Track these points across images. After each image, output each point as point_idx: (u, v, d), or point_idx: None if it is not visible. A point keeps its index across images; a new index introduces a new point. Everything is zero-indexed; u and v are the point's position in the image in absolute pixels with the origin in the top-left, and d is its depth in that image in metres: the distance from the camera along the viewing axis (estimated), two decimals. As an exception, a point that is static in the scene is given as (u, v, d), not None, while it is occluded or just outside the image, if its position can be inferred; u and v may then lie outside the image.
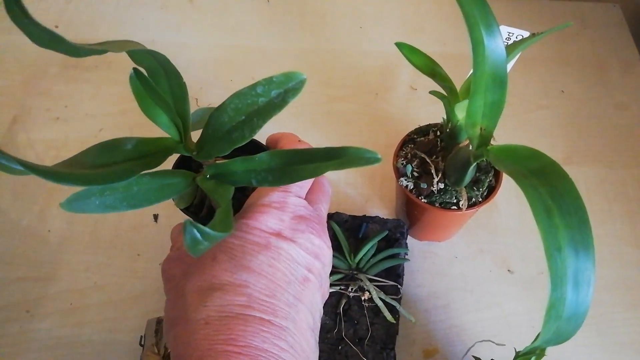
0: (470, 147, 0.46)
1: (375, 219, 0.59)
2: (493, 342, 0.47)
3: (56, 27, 0.85)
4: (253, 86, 0.39)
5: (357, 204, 0.66)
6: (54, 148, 0.72)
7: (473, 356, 0.48)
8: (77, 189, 0.40)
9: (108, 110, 0.75)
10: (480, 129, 0.42)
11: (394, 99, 0.76)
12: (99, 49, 0.38)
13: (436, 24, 0.84)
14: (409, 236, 0.62)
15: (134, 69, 0.41)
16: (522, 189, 0.36)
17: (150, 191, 0.45)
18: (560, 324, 0.35)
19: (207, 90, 0.75)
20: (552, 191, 0.35)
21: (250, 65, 0.79)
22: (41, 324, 0.58)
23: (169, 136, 0.47)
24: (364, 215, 0.59)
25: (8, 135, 0.73)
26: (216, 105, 0.40)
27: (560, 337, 0.36)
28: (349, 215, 0.59)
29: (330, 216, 0.59)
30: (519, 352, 0.41)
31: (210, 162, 0.50)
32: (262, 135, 0.41)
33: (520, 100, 0.75)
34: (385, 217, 0.59)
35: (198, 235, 0.31)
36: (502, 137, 0.54)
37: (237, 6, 0.88)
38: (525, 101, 0.75)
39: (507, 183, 0.66)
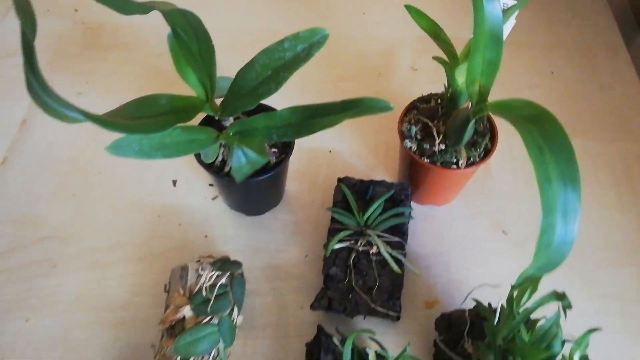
0: (470, 106, 0.51)
1: (381, 183, 0.63)
2: (488, 285, 0.52)
3: (76, 10, 0.89)
4: (280, 42, 0.44)
5: (363, 173, 0.71)
6: (74, 125, 0.75)
7: (472, 298, 0.52)
8: (120, 135, 0.44)
9: (126, 86, 0.79)
10: (479, 85, 0.47)
11: (396, 78, 0.81)
12: (145, 7, 0.43)
13: (436, 11, 0.89)
14: (412, 205, 0.66)
15: (173, 29, 0.46)
16: (518, 131, 0.41)
17: (180, 144, 0.49)
18: (551, 251, 0.40)
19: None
20: (543, 133, 0.40)
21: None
22: (67, 279, 0.61)
23: (197, 96, 0.52)
24: (371, 180, 0.64)
25: (31, 110, 0.77)
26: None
27: (550, 264, 0.40)
28: (357, 180, 0.64)
29: (340, 180, 0.64)
30: (514, 285, 0.46)
31: (232, 122, 0.55)
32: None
33: (512, 80, 0.80)
34: (390, 181, 0.64)
35: (243, 157, 0.36)
36: (498, 126, 0.60)
37: (247, -7, 0.92)
38: (517, 81, 0.80)
39: (502, 153, 0.72)
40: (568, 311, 0.42)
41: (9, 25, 0.87)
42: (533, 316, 0.45)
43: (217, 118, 0.55)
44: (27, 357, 0.56)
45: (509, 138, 0.70)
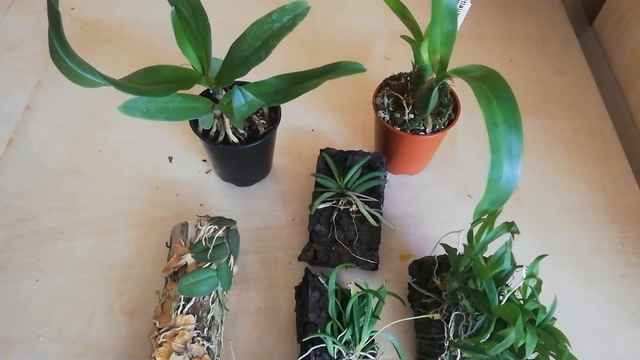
0: (433, 75, 0.59)
1: (359, 152, 0.71)
2: (454, 232, 0.59)
3: (72, 9, 0.96)
4: (269, 15, 0.51)
5: (343, 148, 0.78)
6: (77, 105, 0.82)
7: (441, 244, 0.59)
8: (131, 97, 0.51)
9: (122, 75, 0.85)
10: (440, 55, 0.55)
11: (370, 66, 0.88)
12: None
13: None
14: (387, 171, 0.74)
15: (175, 7, 0.53)
16: (472, 87, 0.49)
17: (181, 109, 0.56)
18: (500, 186, 0.47)
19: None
20: (491, 87, 0.48)
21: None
22: (74, 243, 0.67)
23: (194, 68, 0.59)
24: (350, 150, 0.71)
25: (34, 96, 0.83)
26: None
27: (500, 197, 0.48)
28: (338, 150, 0.71)
29: (323, 150, 0.71)
30: (473, 222, 0.52)
31: (225, 93, 0.62)
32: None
33: (476, 67, 0.89)
34: (367, 151, 0.71)
35: (242, 97, 0.43)
36: (459, 97, 0.68)
37: (233, -7, 1.00)
38: (480, 67, 0.89)
39: (467, 129, 0.80)
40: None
41: (11, 21, 0.93)
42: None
43: (212, 92, 0.63)
44: (38, 312, 0.62)
45: (472, 116, 0.78)
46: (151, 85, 0.53)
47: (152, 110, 0.53)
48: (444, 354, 0.53)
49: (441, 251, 0.60)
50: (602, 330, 0.63)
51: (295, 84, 0.54)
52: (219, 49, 0.59)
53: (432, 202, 0.73)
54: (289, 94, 0.55)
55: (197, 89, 0.62)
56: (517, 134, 0.47)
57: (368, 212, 0.65)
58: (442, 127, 0.66)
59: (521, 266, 0.51)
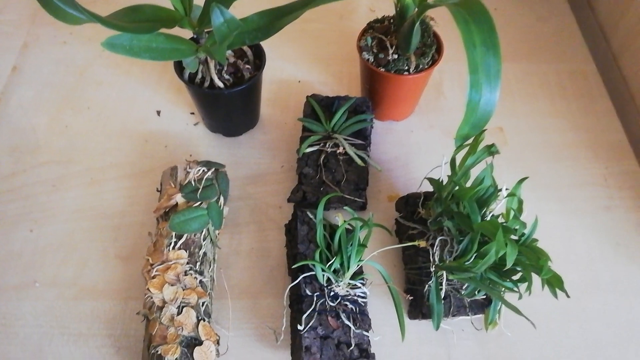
0: (415, 11, 0.59)
1: (345, 97, 0.71)
2: (440, 167, 0.60)
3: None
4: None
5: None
6: (63, 65, 0.82)
7: (426, 177, 0.60)
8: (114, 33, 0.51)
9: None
10: (420, -13, 0.56)
11: (356, 19, 0.89)
12: None
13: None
14: (373, 119, 0.75)
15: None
16: (450, 12, 0.49)
17: (165, 50, 0.57)
18: (479, 109, 0.48)
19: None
20: (469, 10, 0.49)
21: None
22: (66, 194, 0.68)
23: (176, 9, 0.59)
24: (337, 96, 0.72)
25: (21, 57, 0.83)
26: None
27: (480, 120, 0.49)
28: (324, 96, 0.72)
29: (309, 96, 0.71)
30: (456, 148, 0.53)
31: (208, 36, 0.62)
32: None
33: (460, 16, 0.89)
34: (353, 96, 0.72)
35: (221, 16, 0.43)
36: (444, 43, 0.68)
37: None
38: (464, 16, 0.89)
39: (451, 75, 0.81)
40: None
41: (-7, -14, 0.93)
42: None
43: (195, 36, 0.63)
44: (33, 260, 0.63)
45: (458, 64, 0.79)
46: (134, 24, 0.53)
47: (135, 49, 0.53)
48: (430, 281, 0.55)
49: (428, 189, 0.62)
50: (584, 258, 0.64)
51: (277, 18, 0.55)
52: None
53: (418, 146, 0.74)
54: (271, 29, 0.55)
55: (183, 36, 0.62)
56: (495, 54, 0.48)
57: (355, 153, 0.66)
58: (426, 66, 0.66)
59: (501, 189, 0.52)
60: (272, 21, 0.55)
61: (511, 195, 0.51)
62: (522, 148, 0.74)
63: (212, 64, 0.63)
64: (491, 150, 0.50)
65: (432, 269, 0.54)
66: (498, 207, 0.54)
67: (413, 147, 0.74)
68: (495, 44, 0.48)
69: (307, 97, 0.71)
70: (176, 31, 0.58)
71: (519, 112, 0.78)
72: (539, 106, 0.79)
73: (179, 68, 0.65)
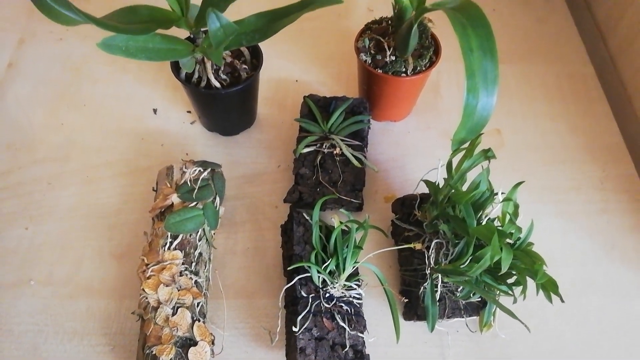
0: (412, 13, 0.59)
1: (342, 98, 0.71)
2: (435, 169, 0.60)
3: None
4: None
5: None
6: (59, 62, 0.81)
7: (422, 180, 0.60)
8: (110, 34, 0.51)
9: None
10: (418, -10, 0.56)
11: (354, 18, 0.89)
12: None
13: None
14: (371, 119, 0.74)
15: (150, -57, 0.52)
16: (448, 16, 0.49)
17: (161, 50, 0.56)
18: (476, 113, 0.48)
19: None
20: (466, 15, 0.49)
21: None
22: (62, 192, 0.68)
23: (173, 10, 0.58)
24: (334, 96, 0.72)
25: (17, 53, 0.82)
26: None
27: (477, 125, 0.49)
28: (321, 97, 0.72)
29: (306, 97, 0.71)
30: (452, 152, 0.53)
31: (205, 36, 0.62)
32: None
33: (459, 16, 0.89)
34: (350, 97, 0.72)
35: (217, 21, 0.43)
36: (442, 44, 0.68)
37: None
38: (463, 17, 0.89)
39: (448, 76, 0.81)
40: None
41: (-11, -20, 0.92)
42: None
43: (192, 36, 0.63)
44: (28, 258, 0.63)
45: (455, 65, 0.79)
46: (130, 25, 0.53)
47: (131, 49, 0.53)
48: (425, 283, 0.55)
49: (424, 190, 0.62)
50: (579, 260, 0.65)
51: (274, 20, 0.55)
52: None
53: (415, 147, 0.74)
54: (268, 31, 0.55)
55: (179, 36, 0.62)
56: (492, 59, 0.47)
57: (352, 154, 0.66)
58: (424, 68, 0.66)
59: (497, 193, 0.52)
60: (270, 23, 0.55)
61: (507, 199, 0.51)
62: (519, 149, 0.74)
63: (208, 64, 0.62)
64: (487, 154, 0.50)
65: (428, 272, 0.55)
66: (494, 211, 0.54)
67: (410, 148, 0.74)
68: (493, 48, 0.48)
69: (304, 97, 0.71)
70: (173, 31, 0.57)
71: (517, 113, 0.78)
72: (537, 108, 0.79)
73: (176, 68, 0.64)
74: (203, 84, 0.64)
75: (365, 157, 0.67)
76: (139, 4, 0.57)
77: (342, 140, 0.67)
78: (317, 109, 0.70)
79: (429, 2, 0.56)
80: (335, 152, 0.66)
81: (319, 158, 0.66)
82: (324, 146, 0.67)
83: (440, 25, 0.66)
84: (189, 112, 0.76)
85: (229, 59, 0.65)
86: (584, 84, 0.81)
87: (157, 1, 0.57)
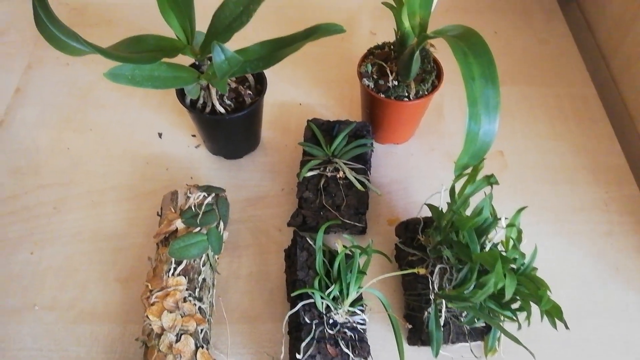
0: (415, 40, 0.60)
1: (345, 122, 0.72)
2: (439, 192, 0.60)
3: (59, -7, 0.97)
4: (248, -20, 0.52)
5: (330, 120, 0.79)
6: (66, 87, 0.83)
7: (426, 204, 0.61)
8: (116, 64, 0.52)
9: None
10: (419, 18, 0.57)
11: (357, 42, 0.90)
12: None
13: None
14: (374, 142, 0.75)
15: (156, -25, 0.53)
16: (449, 45, 0.50)
17: (167, 78, 0.57)
18: (478, 139, 0.48)
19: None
20: (468, 43, 0.49)
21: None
22: (67, 216, 0.68)
23: (178, 39, 0.59)
24: (337, 120, 0.72)
25: (24, 79, 0.84)
26: None
27: (480, 151, 0.49)
28: (325, 120, 0.72)
29: (310, 120, 0.72)
30: (455, 177, 0.54)
31: (209, 63, 0.62)
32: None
33: (460, 39, 0.90)
34: (353, 120, 0.72)
35: (222, 54, 0.44)
36: (444, 68, 0.69)
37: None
38: (465, 39, 0.90)
39: (451, 99, 0.81)
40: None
41: (-2, 7, 0.94)
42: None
43: (197, 63, 0.64)
44: (33, 283, 0.63)
45: (458, 87, 0.79)
46: (136, 54, 0.54)
47: (137, 78, 0.54)
48: (429, 308, 0.55)
49: (427, 214, 0.62)
50: (583, 284, 0.64)
51: (278, 49, 0.56)
52: (205, 24, 0.59)
53: (419, 169, 0.74)
54: (272, 59, 0.56)
55: (184, 64, 0.63)
56: (493, 87, 0.48)
57: (355, 177, 0.66)
58: (426, 93, 0.67)
59: (500, 218, 0.52)
60: (274, 51, 0.56)
61: (510, 225, 0.51)
62: (522, 171, 0.74)
63: (213, 90, 0.63)
64: (490, 180, 0.50)
65: (432, 297, 0.54)
66: (497, 235, 0.54)
67: (413, 171, 0.74)
68: (494, 76, 0.48)
69: (308, 121, 0.72)
70: (177, 57, 0.58)
71: (519, 135, 0.78)
72: (539, 129, 0.79)
73: (181, 94, 0.65)
74: (208, 109, 0.65)
75: (368, 180, 0.67)
76: (145, 32, 0.58)
77: (345, 163, 0.67)
78: (320, 132, 0.70)
79: (430, 29, 0.57)
80: (338, 175, 0.67)
81: (323, 181, 0.67)
82: (327, 170, 0.67)
83: (442, 48, 0.67)
84: (193, 135, 0.77)
85: (233, 85, 0.66)
86: (586, 105, 0.82)
87: (162, 27, 0.58)
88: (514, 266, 0.51)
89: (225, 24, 0.56)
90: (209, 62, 0.63)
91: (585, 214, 0.70)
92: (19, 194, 0.70)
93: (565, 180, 0.73)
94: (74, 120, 0.79)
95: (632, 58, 0.80)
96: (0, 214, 0.68)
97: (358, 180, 0.66)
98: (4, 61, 0.87)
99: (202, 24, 0.59)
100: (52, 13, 0.47)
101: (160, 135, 0.77)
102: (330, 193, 0.66)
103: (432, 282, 0.54)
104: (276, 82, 0.82)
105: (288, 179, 0.73)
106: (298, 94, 0.83)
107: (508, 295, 0.45)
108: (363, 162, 0.69)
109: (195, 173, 0.73)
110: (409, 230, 0.62)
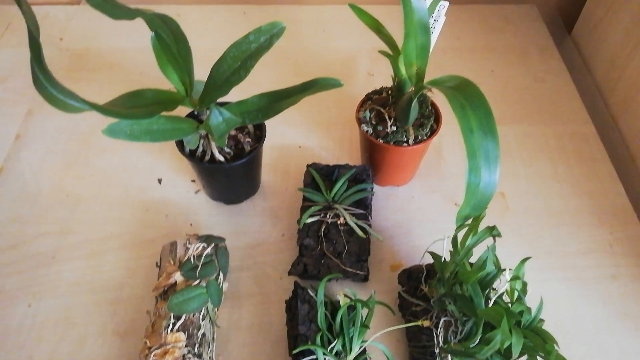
0: (412, 88, 0.60)
1: (345, 166, 0.72)
2: (441, 239, 0.60)
3: (61, 39, 0.98)
4: (246, 36, 0.53)
5: (330, 163, 0.79)
6: (66, 133, 0.83)
7: (428, 252, 0.60)
8: (114, 120, 0.52)
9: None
10: (416, 67, 0.57)
11: (355, 82, 0.91)
12: (131, 13, 0.52)
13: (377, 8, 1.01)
14: (374, 185, 0.75)
15: (155, 32, 0.54)
16: (446, 96, 0.50)
17: (165, 131, 0.57)
18: (479, 191, 0.48)
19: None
20: (465, 95, 0.49)
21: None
22: (66, 266, 0.67)
23: (177, 91, 0.60)
24: (336, 164, 0.72)
25: (24, 125, 0.84)
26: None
27: (481, 202, 0.49)
28: (324, 165, 0.72)
29: (309, 165, 0.72)
30: (457, 227, 0.53)
31: (209, 113, 0.63)
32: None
33: (458, 79, 0.91)
34: (353, 164, 0.72)
35: (220, 116, 0.44)
36: (442, 111, 0.69)
37: (217, 17, 1.03)
38: (462, 79, 0.91)
39: (452, 140, 0.81)
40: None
41: (0, 54, 0.95)
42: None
43: (196, 113, 0.64)
44: (30, 337, 0.62)
45: (456, 127, 0.79)
46: (134, 109, 0.54)
47: (136, 132, 0.54)
48: (435, 361, 0.53)
49: (430, 259, 0.61)
50: (591, 331, 0.63)
51: (276, 101, 0.56)
52: (203, 73, 0.60)
53: (420, 212, 0.74)
54: (270, 111, 0.56)
55: (184, 112, 0.63)
56: (492, 139, 0.48)
57: (356, 224, 0.66)
58: (425, 137, 0.67)
59: (504, 269, 0.52)
60: (272, 103, 0.56)
61: (515, 278, 0.50)
62: (523, 213, 0.74)
63: (212, 139, 0.63)
64: (493, 233, 0.50)
65: (437, 350, 0.53)
66: (502, 285, 0.53)
67: (415, 213, 0.74)
68: (493, 128, 0.48)
69: (307, 166, 0.72)
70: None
71: (520, 175, 0.78)
72: (540, 169, 0.79)
73: (180, 143, 0.65)
74: (207, 157, 0.65)
75: (369, 225, 0.67)
76: (145, 75, 0.58)
77: (345, 209, 0.67)
78: (320, 177, 0.70)
79: (427, 79, 0.58)
80: (339, 221, 0.66)
81: (323, 228, 0.66)
82: (327, 216, 0.67)
83: (440, 92, 0.67)
84: (193, 181, 0.77)
85: (232, 132, 0.66)
86: (586, 144, 0.82)
87: (159, 77, 0.59)
88: (520, 318, 0.50)
89: (224, 78, 0.56)
90: (207, 112, 0.63)
91: (590, 256, 0.69)
92: (18, 244, 0.69)
93: (568, 222, 0.73)
94: (74, 166, 0.79)
95: (630, 96, 0.80)
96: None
97: (359, 226, 0.66)
98: (4, 107, 0.87)
99: (200, 73, 0.59)
100: (51, 75, 0.48)
101: (160, 181, 0.77)
102: (331, 240, 0.65)
103: (437, 336, 0.53)
104: (275, 124, 0.82)
105: (288, 223, 0.72)
106: (297, 136, 0.83)
107: (515, 353, 0.44)
108: (364, 206, 0.68)
109: (195, 219, 0.72)
110: (412, 278, 0.61)
